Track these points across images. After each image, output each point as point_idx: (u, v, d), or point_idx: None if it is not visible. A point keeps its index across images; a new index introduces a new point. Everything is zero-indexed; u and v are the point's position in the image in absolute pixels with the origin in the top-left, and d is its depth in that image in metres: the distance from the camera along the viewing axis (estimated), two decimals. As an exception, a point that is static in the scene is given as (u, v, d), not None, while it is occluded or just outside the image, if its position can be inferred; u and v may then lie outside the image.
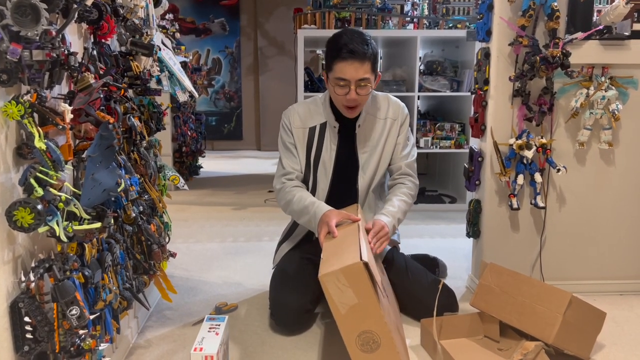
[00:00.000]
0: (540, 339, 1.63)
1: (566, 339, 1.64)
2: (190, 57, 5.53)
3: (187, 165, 4.66)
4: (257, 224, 3.41)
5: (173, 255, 2.06)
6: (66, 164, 1.15)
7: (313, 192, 2.01)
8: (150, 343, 1.83)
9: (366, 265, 1.34)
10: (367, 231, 1.77)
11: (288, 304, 1.88)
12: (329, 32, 3.77)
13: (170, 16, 4.52)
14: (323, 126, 1.99)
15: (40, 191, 1.01)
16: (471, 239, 2.33)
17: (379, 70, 1.93)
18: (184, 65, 4.46)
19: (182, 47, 4.84)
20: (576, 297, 1.65)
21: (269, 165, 5.87)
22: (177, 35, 4.73)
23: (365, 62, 1.81)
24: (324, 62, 6.38)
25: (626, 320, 2.01)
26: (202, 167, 5.16)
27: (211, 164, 5.69)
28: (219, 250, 2.86)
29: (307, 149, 2.00)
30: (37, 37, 1.00)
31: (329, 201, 1.96)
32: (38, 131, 1.05)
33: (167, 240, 2.08)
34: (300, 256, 2.02)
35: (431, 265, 2.38)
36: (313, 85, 3.88)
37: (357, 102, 1.87)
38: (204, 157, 5.31)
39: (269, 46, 6.96)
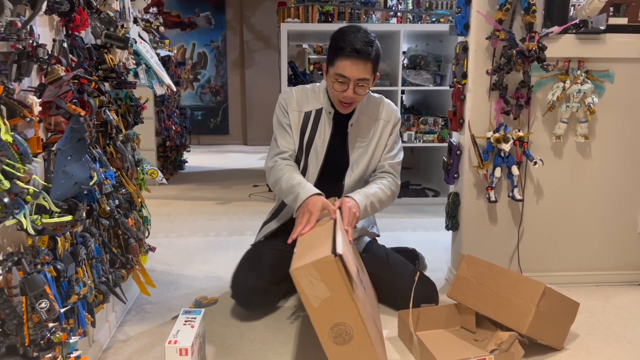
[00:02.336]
0: (514, 329, 1.65)
1: (540, 329, 1.66)
2: (175, 51, 5.49)
3: (171, 159, 4.64)
4: (241, 218, 3.41)
5: (152, 249, 2.06)
6: (35, 157, 1.14)
7: (303, 175, 2.00)
8: (128, 337, 1.83)
9: (340, 257, 1.35)
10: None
11: (244, 283, 1.93)
12: (313, 26, 3.79)
13: (154, 10, 4.49)
14: (319, 112, 1.99)
15: (6, 184, 1.00)
16: (450, 232, 2.35)
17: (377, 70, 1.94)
18: (167, 59, 4.44)
19: (166, 41, 4.82)
20: (549, 288, 1.68)
21: (255, 160, 5.86)
22: (162, 29, 4.70)
23: (368, 63, 1.82)
24: (310, 57, 6.33)
25: (602, 310, 2.04)
26: (187, 162, 5.14)
27: (197, 158, 5.67)
28: (202, 245, 2.86)
29: (301, 133, 2.00)
30: (2, 29, 0.99)
31: (319, 186, 1.95)
32: (5, 124, 1.04)
33: (146, 234, 2.08)
34: (275, 246, 2.02)
35: (411, 258, 2.40)
36: (297, 79, 3.87)
37: (353, 100, 1.88)
38: (188, 151, 5.29)
39: (255, 40, 6.93)
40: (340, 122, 1.99)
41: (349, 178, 2.01)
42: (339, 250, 1.35)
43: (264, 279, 1.94)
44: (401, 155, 2.08)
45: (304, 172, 2.02)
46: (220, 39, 6.92)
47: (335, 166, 2.01)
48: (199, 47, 6.93)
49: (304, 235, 1.67)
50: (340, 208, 1.77)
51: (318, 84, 2.06)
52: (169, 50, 4.62)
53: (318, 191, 1.80)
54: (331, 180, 2.01)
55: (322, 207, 1.76)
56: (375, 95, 2.07)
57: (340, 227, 1.63)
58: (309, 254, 1.41)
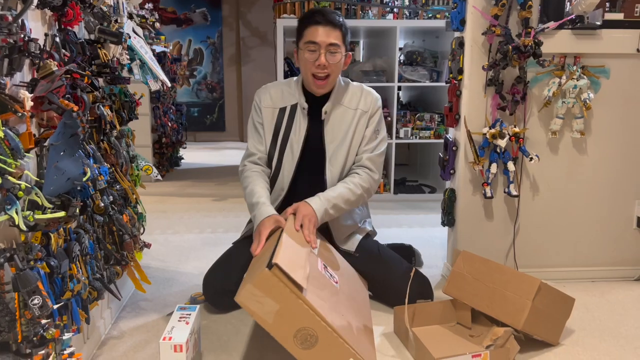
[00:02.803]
0: (510, 325, 1.65)
1: (535, 325, 1.66)
2: (171, 48, 5.47)
3: (167, 156, 4.62)
4: (237, 214, 3.40)
5: (147, 246, 2.05)
6: (28, 152, 1.13)
7: (276, 175, 1.98)
8: (123, 334, 1.82)
9: (276, 266, 1.31)
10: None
11: (213, 283, 1.95)
12: (309, 22, 3.77)
13: (150, 6, 4.47)
14: (294, 107, 1.97)
15: (-2, 179, 1.00)
16: (446, 228, 2.35)
17: (349, 49, 1.96)
18: (163, 55, 4.41)
19: (162, 37, 4.79)
20: (545, 284, 1.68)
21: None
22: (158, 25, 4.67)
23: (336, 29, 1.85)
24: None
25: (597, 306, 2.05)
26: (182, 159, 5.13)
27: (193, 155, 5.65)
28: (197, 242, 2.85)
29: (275, 130, 1.98)
30: (-8, 22, 0.98)
31: (295, 189, 1.95)
32: (-4, 119, 1.03)
33: (141, 231, 2.07)
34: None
35: (407, 254, 2.40)
36: (293, 75, 3.85)
37: (326, 70, 1.86)
38: (184, 148, 5.27)
39: (251, 36, 6.91)
40: (317, 115, 1.96)
41: (330, 173, 1.95)
42: (276, 259, 1.32)
43: (232, 280, 1.78)
44: (383, 147, 2.01)
45: (278, 170, 1.98)
46: (217, 35, 6.89)
47: (314, 160, 1.97)
48: (195, 43, 6.90)
49: (254, 258, 1.62)
50: (294, 214, 1.77)
51: (295, 78, 2.02)
52: (165, 47, 4.60)
53: (270, 213, 1.77)
54: (311, 175, 1.97)
55: (274, 224, 1.71)
56: (355, 83, 2.04)
57: (289, 232, 1.60)
58: (249, 275, 1.40)
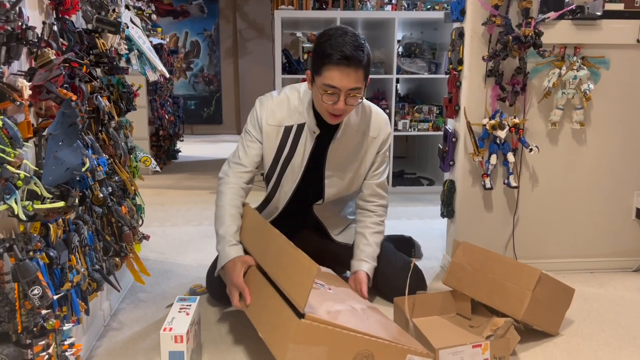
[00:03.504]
0: (510, 315, 1.65)
1: (535, 315, 1.67)
2: (167, 40, 5.43)
3: (164, 149, 4.61)
4: (235, 207, 3.39)
5: (146, 237, 2.04)
6: (27, 141, 1.12)
7: (273, 195, 1.92)
8: (122, 325, 1.82)
9: (304, 315, 1.29)
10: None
11: (215, 277, 1.86)
12: (307, 13, 3.76)
13: (146, -3, 4.43)
14: (301, 127, 1.81)
15: (-4, 169, 0.98)
16: (446, 219, 2.35)
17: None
18: (160, 47, 4.38)
19: (159, 29, 4.76)
20: (545, 274, 1.68)
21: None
22: (154, 17, 4.64)
23: (360, 70, 1.61)
24: (304, 45, 6.29)
25: (596, 297, 2.05)
26: (180, 152, 5.11)
27: (190, 148, 5.63)
28: (195, 234, 2.84)
29: (279, 150, 1.83)
30: (-10, 9, 0.97)
31: (292, 203, 1.90)
32: (-6, 107, 1.02)
33: (140, 222, 2.06)
34: None
35: (407, 246, 2.40)
36: (291, 67, 3.84)
37: (344, 112, 1.69)
38: (182, 141, 5.25)
39: (248, 29, 6.88)
40: (327, 136, 1.82)
41: (329, 194, 1.89)
42: (302, 310, 1.29)
43: None
44: (386, 173, 1.97)
45: (275, 190, 1.91)
46: (213, 27, 6.86)
47: (313, 181, 1.88)
48: (192, 35, 6.86)
49: (252, 309, 1.54)
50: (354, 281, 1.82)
51: (303, 89, 1.83)
52: (162, 39, 4.57)
53: (236, 254, 1.67)
54: (308, 195, 1.90)
55: (243, 267, 1.63)
56: (365, 103, 1.87)
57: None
58: (280, 334, 1.33)
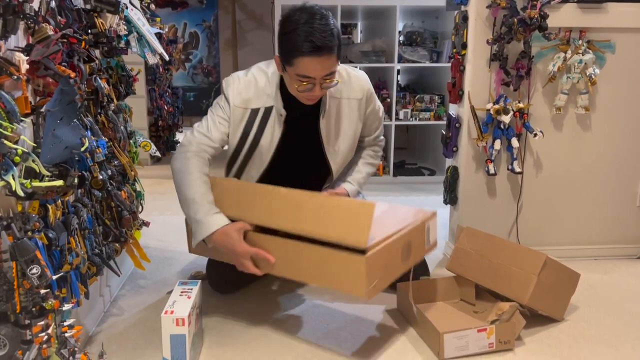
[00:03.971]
0: (515, 299, 1.63)
1: (540, 300, 1.65)
2: (166, 29, 5.39)
3: (163, 139, 4.57)
4: (235, 196, 3.37)
5: (146, 224, 2.02)
6: (25, 117, 1.10)
7: (238, 178, 1.81)
8: (123, 311, 1.80)
9: (364, 251, 1.38)
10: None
11: (215, 266, 1.85)
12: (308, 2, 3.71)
13: (144, -13, 4.39)
14: (268, 110, 1.70)
15: (-7, 143, 0.96)
16: (448, 207, 2.33)
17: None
18: (158, 36, 4.35)
19: (158, 19, 4.71)
20: (551, 258, 1.66)
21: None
22: (153, 7, 4.60)
23: (332, 55, 1.53)
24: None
25: (600, 283, 2.03)
26: (179, 142, 5.07)
27: (189, 139, 5.59)
28: (196, 222, 2.81)
29: (244, 132, 1.71)
30: (-15, -22, 0.94)
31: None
32: (-10, 81, 0.99)
33: (140, 209, 2.03)
34: None
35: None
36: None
37: (321, 95, 1.64)
38: (181, 132, 5.22)
39: (247, 20, 6.82)
40: (297, 118, 1.72)
41: (336, 169, 1.82)
42: (365, 245, 1.37)
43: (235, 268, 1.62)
44: (382, 121, 1.92)
45: (239, 175, 1.80)
46: (212, 18, 6.80)
47: (314, 164, 1.81)
48: (191, 26, 6.81)
49: (278, 268, 1.51)
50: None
51: (270, 72, 1.72)
52: (160, 28, 4.53)
53: (223, 224, 1.54)
54: (310, 183, 1.73)
55: (240, 235, 1.53)
56: (340, 68, 1.70)
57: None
58: (342, 276, 1.42)
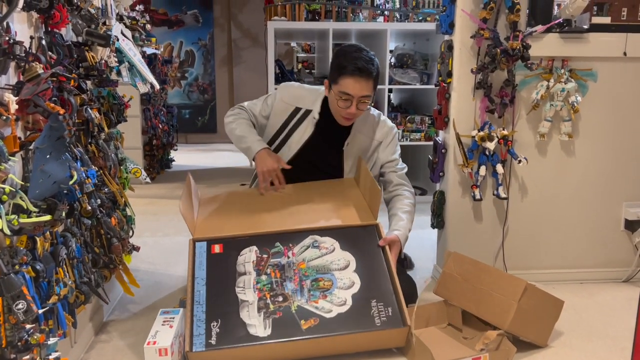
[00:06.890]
0: (496, 325, 1.65)
1: (522, 326, 1.67)
2: (162, 50, 5.45)
3: (158, 158, 4.60)
4: (228, 217, 3.39)
5: (136, 249, 2.04)
6: (13, 155, 1.13)
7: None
8: (111, 337, 1.81)
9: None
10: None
11: None
12: (300, 24, 3.78)
13: (140, 7, 4.45)
14: (307, 112, 2.06)
15: (-19, 183, 0.99)
16: (436, 229, 2.36)
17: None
18: (154, 57, 4.40)
19: (153, 39, 4.77)
20: (532, 285, 1.68)
21: (244, 158, 5.82)
22: (149, 27, 4.66)
23: (370, 80, 1.90)
24: (298, 55, 6.32)
25: (585, 308, 2.06)
26: (173, 161, 5.11)
27: (184, 157, 5.63)
28: (187, 244, 2.83)
29: (283, 125, 2.08)
30: (-24, 25, 0.97)
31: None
32: (-20, 122, 1.02)
33: (130, 233, 2.06)
34: None
35: (400, 257, 2.39)
36: (284, 77, 3.86)
37: (355, 115, 1.97)
38: (175, 150, 5.25)
39: (242, 38, 6.90)
40: (333, 135, 2.05)
41: (348, 174, 2.11)
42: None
43: None
44: (403, 165, 2.14)
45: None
46: (208, 37, 6.88)
47: (329, 167, 2.10)
48: (187, 45, 6.88)
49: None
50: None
51: (320, 90, 2.09)
52: (156, 48, 4.58)
53: (263, 146, 2.01)
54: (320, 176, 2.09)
55: (276, 161, 1.99)
56: (374, 112, 2.12)
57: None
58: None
